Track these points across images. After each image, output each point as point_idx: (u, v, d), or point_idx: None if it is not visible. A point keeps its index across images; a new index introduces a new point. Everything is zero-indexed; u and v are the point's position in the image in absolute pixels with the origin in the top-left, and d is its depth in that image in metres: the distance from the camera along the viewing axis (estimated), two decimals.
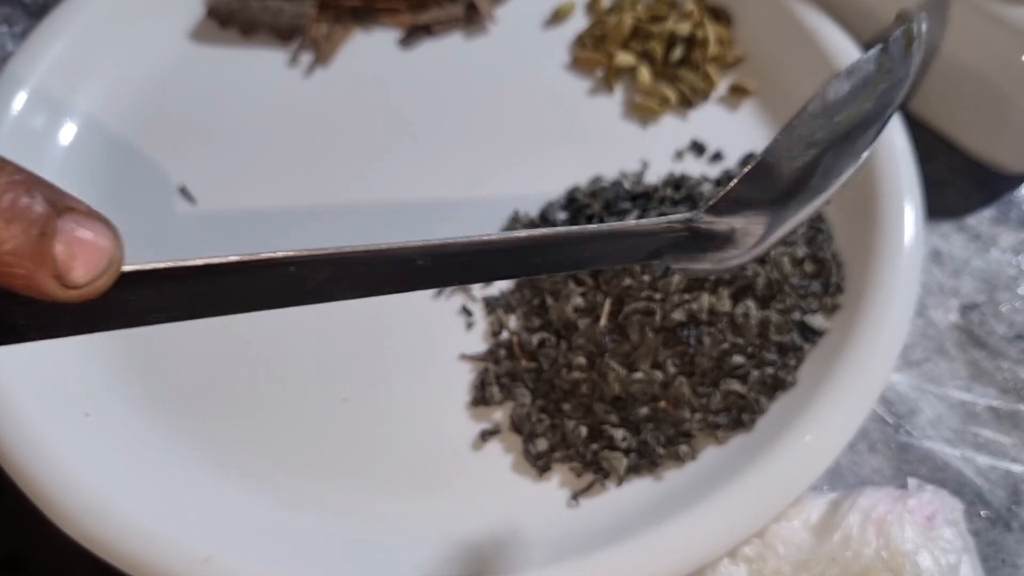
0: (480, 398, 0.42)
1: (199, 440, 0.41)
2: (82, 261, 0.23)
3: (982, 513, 0.41)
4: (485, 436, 0.41)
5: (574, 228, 0.30)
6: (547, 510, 0.39)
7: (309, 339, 0.44)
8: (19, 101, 0.48)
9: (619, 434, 0.39)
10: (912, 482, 0.40)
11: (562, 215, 0.47)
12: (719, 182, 0.48)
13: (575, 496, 0.39)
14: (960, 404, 0.44)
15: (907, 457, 0.43)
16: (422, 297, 0.45)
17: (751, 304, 0.40)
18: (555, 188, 0.48)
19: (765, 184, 0.34)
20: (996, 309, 0.47)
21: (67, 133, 0.50)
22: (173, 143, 0.51)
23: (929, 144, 0.52)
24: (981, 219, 0.50)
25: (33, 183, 0.23)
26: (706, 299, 0.40)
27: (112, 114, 0.51)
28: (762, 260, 0.42)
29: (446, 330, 0.44)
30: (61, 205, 0.24)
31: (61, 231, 0.23)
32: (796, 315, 0.41)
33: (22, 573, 0.41)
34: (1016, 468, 0.42)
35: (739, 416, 0.40)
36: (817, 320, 0.42)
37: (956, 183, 0.52)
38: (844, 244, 0.45)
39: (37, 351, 0.41)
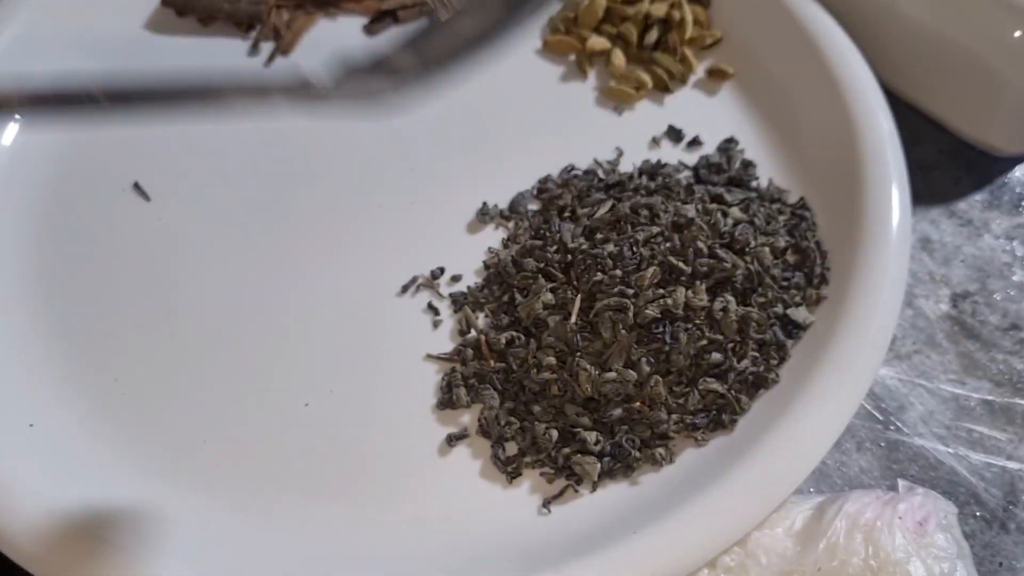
0: (447, 400, 0.39)
1: (150, 449, 0.39)
2: None
3: (977, 514, 0.39)
4: (452, 440, 0.39)
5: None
6: (517, 518, 0.37)
7: (267, 341, 0.42)
8: None
9: (592, 437, 0.37)
10: (902, 484, 0.38)
11: (533, 206, 0.45)
12: (696, 169, 0.46)
13: (546, 503, 0.37)
14: (952, 398, 0.42)
15: (897, 456, 0.40)
16: (387, 295, 0.43)
17: (730, 298, 0.38)
18: (526, 178, 0.46)
19: None
20: (989, 298, 0.45)
21: (13, 127, 0.47)
22: (126, 138, 0.48)
23: (916, 126, 0.50)
24: (972, 204, 0.48)
25: None
26: (682, 294, 0.38)
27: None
28: (742, 251, 0.40)
29: (411, 329, 0.42)
30: None
31: None
32: (778, 308, 0.39)
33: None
34: (1012, 465, 0.40)
35: (719, 416, 0.38)
36: (800, 313, 0.40)
37: (945, 166, 0.49)
38: (828, 232, 0.43)
39: None
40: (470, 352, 0.40)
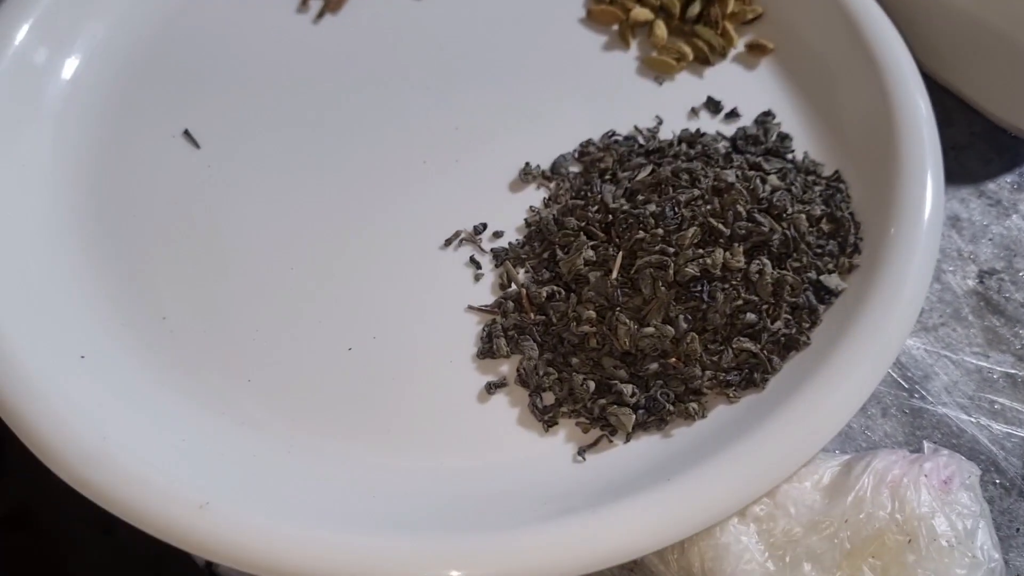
0: (487, 350, 0.41)
1: (197, 385, 0.40)
2: None
3: (996, 481, 0.40)
4: (491, 388, 0.40)
5: None
6: (553, 464, 0.38)
7: (313, 286, 0.43)
8: (21, 34, 0.47)
9: (628, 389, 0.38)
10: (928, 446, 0.39)
11: (574, 168, 0.46)
12: (734, 140, 0.47)
13: (581, 451, 0.38)
14: (976, 370, 0.43)
15: (920, 423, 0.42)
16: (430, 248, 0.44)
17: (766, 261, 0.39)
18: (568, 142, 0.47)
19: None
20: (1015, 276, 0.46)
21: (68, 69, 0.48)
22: (177, 86, 0.49)
23: (950, 107, 0.51)
24: (1001, 184, 0.49)
25: None
26: (720, 255, 0.39)
27: (116, 54, 0.50)
28: (779, 217, 0.41)
29: (454, 282, 0.43)
30: None
31: None
32: (812, 274, 0.40)
33: (26, 529, 0.40)
34: None
35: (751, 375, 0.39)
36: (833, 280, 0.41)
37: (977, 147, 0.51)
38: (862, 206, 0.44)
39: (32, 292, 0.41)
40: (511, 305, 0.41)
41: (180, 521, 0.34)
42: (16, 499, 0.41)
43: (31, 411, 0.36)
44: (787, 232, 0.40)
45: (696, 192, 0.41)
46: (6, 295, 0.40)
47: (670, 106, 0.49)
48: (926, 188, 0.42)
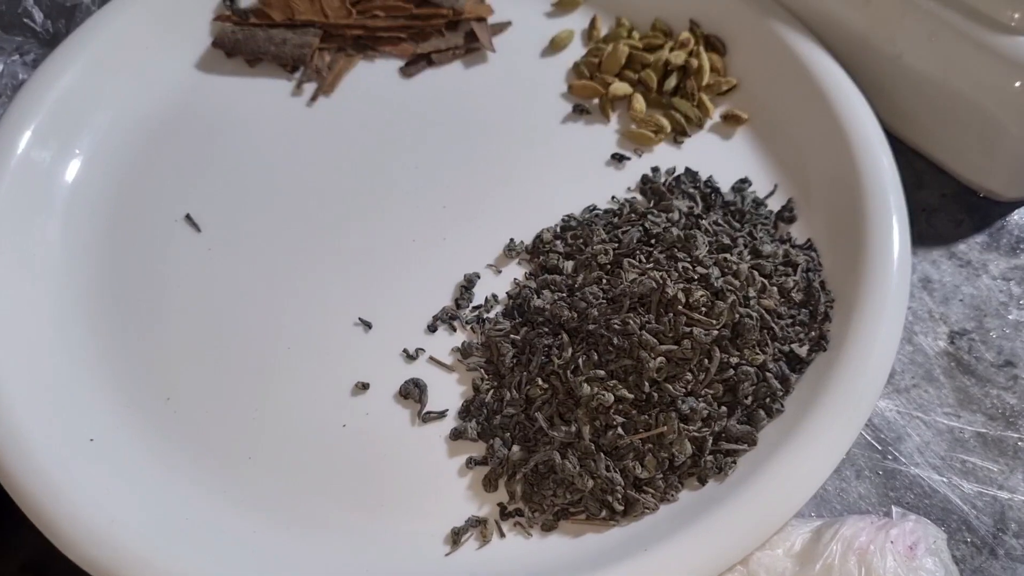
0: (459, 433, 0.43)
1: (200, 464, 0.42)
2: None
3: (968, 540, 0.42)
4: (471, 463, 0.42)
5: None
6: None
7: (308, 366, 0.45)
8: (29, 130, 0.50)
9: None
10: (896, 511, 0.40)
11: (558, 244, 0.48)
12: (710, 207, 0.49)
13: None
14: (948, 430, 0.45)
15: (894, 483, 0.43)
16: (418, 329, 0.46)
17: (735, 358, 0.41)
18: (551, 215, 0.49)
19: None
20: (985, 336, 0.47)
21: (76, 161, 0.51)
22: (179, 172, 0.52)
23: (921, 170, 0.53)
24: (971, 245, 0.51)
25: None
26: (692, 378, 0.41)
27: (121, 141, 0.53)
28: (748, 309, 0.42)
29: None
30: None
31: None
32: (784, 345, 0.42)
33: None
34: (1003, 495, 0.43)
35: None
36: (804, 349, 0.42)
37: (947, 209, 0.52)
38: (831, 270, 0.45)
39: (43, 378, 0.43)
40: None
41: None
42: (32, 549, 0.42)
43: (42, 495, 0.39)
44: (762, 303, 0.42)
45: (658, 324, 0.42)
46: (19, 382, 0.42)
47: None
48: (892, 252, 0.44)
